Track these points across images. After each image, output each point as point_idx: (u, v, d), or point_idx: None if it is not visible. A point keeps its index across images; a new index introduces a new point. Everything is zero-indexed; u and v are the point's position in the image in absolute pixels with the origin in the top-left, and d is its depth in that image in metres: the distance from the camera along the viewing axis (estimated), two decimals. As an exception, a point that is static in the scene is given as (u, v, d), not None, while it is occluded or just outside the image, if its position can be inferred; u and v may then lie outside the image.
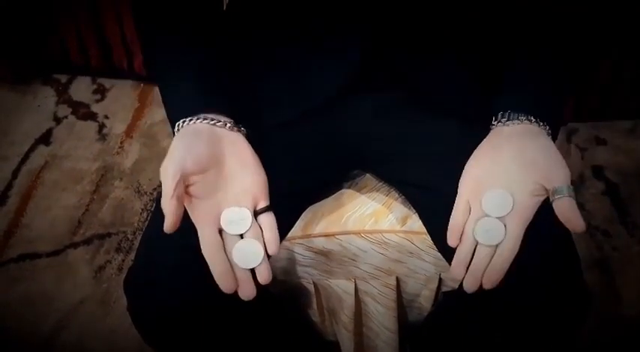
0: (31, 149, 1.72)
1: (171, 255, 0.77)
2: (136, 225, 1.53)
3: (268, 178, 0.84)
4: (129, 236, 1.51)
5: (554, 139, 0.75)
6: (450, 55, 0.84)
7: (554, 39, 0.80)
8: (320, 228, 0.91)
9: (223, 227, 0.69)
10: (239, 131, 0.74)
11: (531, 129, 0.74)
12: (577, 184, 1.58)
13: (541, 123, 0.74)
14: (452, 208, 0.81)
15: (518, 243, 0.70)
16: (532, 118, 0.74)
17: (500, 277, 0.69)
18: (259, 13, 0.87)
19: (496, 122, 0.76)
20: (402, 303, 1.02)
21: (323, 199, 0.94)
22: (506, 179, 0.71)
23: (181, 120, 0.72)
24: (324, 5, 0.81)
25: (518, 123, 0.74)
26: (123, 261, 1.46)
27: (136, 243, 1.48)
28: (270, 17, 0.86)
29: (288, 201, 0.87)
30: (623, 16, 1.46)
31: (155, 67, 0.80)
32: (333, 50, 0.82)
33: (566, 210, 0.67)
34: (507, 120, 0.75)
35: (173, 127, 0.73)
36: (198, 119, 0.72)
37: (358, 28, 0.80)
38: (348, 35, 0.81)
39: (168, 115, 0.76)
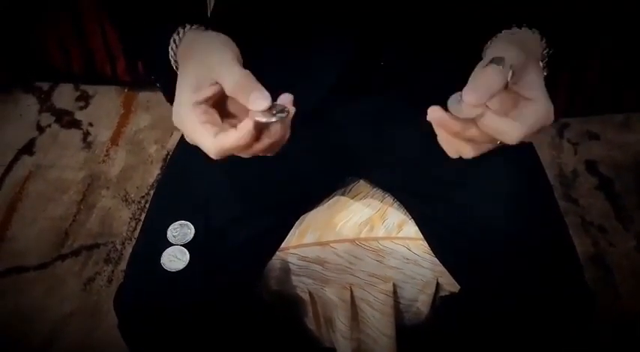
0: (15, 160, 1.69)
1: (161, 274, 0.76)
2: (124, 234, 1.51)
3: (260, 186, 0.83)
4: (117, 246, 1.49)
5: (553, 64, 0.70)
6: (448, 56, 0.83)
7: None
8: (314, 236, 0.90)
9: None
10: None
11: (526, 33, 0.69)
12: (570, 179, 1.57)
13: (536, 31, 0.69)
14: (448, 213, 0.80)
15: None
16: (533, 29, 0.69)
17: None
18: (245, 13, 0.85)
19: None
20: (398, 309, 1.01)
21: (316, 207, 0.92)
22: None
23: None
24: (313, 4, 0.79)
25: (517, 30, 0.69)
26: (112, 271, 1.43)
27: (125, 253, 1.46)
28: (257, 17, 0.84)
29: (280, 211, 0.86)
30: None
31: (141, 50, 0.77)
32: (323, 49, 0.80)
33: (481, 74, 0.61)
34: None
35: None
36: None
37: (348, 26, 0.79)
38: (338, 34, 0.79)
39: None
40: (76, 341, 1.31)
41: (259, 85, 0.59)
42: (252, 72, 0.83)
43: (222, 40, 0.65)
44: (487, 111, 0.59)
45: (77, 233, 1.51)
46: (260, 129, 0.60)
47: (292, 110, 0.62)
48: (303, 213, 0.91)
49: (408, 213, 0.90)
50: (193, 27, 0.68)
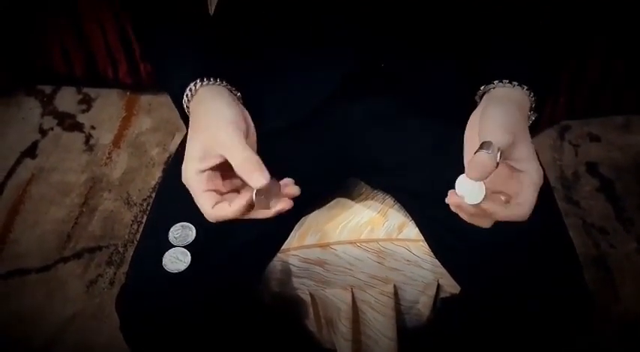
0: (17, 163, 1.69)
1: (163, 275, 0.76)
2: (126, 237, 1.51)
3: None
4: (120, 248, 1.49)
5: (540, 107, 0.75)
6: (447, 60, 0.83)
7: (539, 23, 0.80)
8: (315, 238, 0.90)
9: None
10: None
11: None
12: (571, 181, 1.57)
13: (524, 87, 0.73)
14: (448, 215, 0.80)
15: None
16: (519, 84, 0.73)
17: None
18: (249, 16, 0.86)
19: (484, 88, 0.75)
20: (400, 310, 1.01)
21: (317, 209, 0.92)
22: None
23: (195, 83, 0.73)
24: (315, 9, 0.80)
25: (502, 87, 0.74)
26: (114, 274, 1.43)
27: (127, 256, 1.46)
28: (260, 21, 0.84)
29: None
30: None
31: (156, 51, 0.82)
32: (324, 52, 0.81)
33: (474, 159, 0.64)
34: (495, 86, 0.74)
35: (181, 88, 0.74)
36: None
37: (349, 28, 0.79)
38: (339, 36, 0.80)
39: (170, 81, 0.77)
40: (78, 343, 1.31)
41: (262, 166, 0.65)
42: (252, 77, 0.84)
43: (232, 116, 0.69)
44: (498, 207, 0.65)
45: (79, 235, 1.51)
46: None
47: (288, 205, 0.68)
48: (304, 215, 0.91)
49: (408, 215, 0.90)
50: (204, 83, 0.73)
